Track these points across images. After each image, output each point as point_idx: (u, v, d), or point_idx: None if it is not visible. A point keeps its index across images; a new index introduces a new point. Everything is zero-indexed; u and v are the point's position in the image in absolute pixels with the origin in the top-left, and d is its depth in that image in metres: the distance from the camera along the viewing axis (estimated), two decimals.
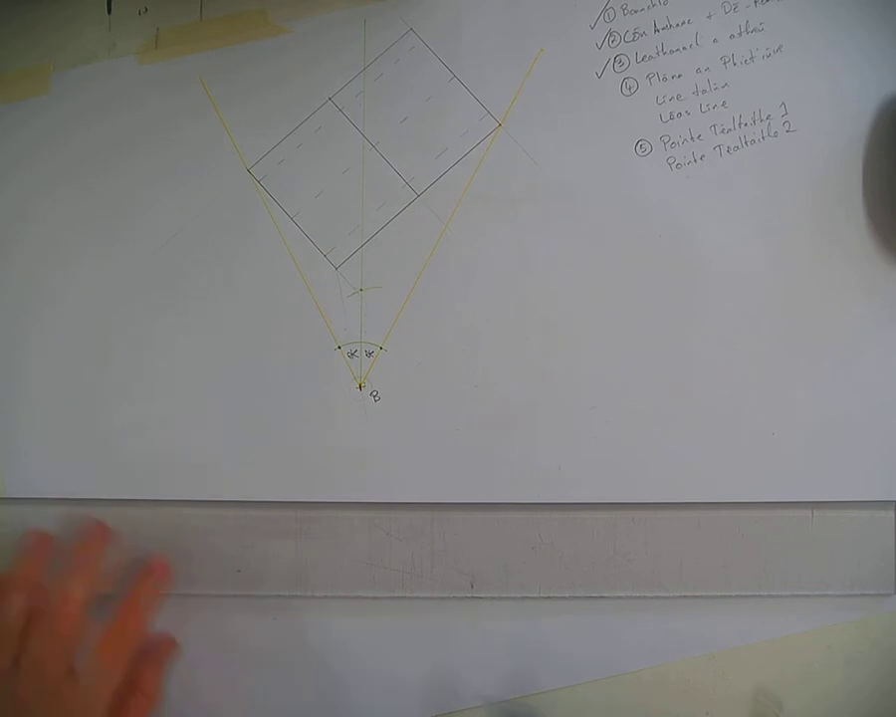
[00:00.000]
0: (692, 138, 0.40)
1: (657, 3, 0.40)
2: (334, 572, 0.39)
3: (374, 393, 0.39)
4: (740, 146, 0.40)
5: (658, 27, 0.40)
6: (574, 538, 0.39)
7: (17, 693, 0.33)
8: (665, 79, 0.40)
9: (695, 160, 0.40)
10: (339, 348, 0.39)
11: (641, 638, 0.39)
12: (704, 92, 0.40)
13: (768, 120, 0.40)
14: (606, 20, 0.40)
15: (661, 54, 0.40)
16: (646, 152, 0.40)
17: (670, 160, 0.40)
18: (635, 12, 0.40)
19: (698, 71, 0.40)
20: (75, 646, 0.34)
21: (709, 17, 0.40)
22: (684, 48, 0.40)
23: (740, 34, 0.40)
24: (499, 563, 0.38)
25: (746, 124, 0.40)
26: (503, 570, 0.38)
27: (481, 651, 0.39)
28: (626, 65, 0.40)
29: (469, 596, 0.39)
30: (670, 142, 0.40)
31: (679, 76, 0.40)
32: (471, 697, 0.38)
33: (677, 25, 0.40)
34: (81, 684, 0.33)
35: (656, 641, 0.39)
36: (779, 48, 0.40)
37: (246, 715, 0.39)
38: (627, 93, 0.40)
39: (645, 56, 0.40)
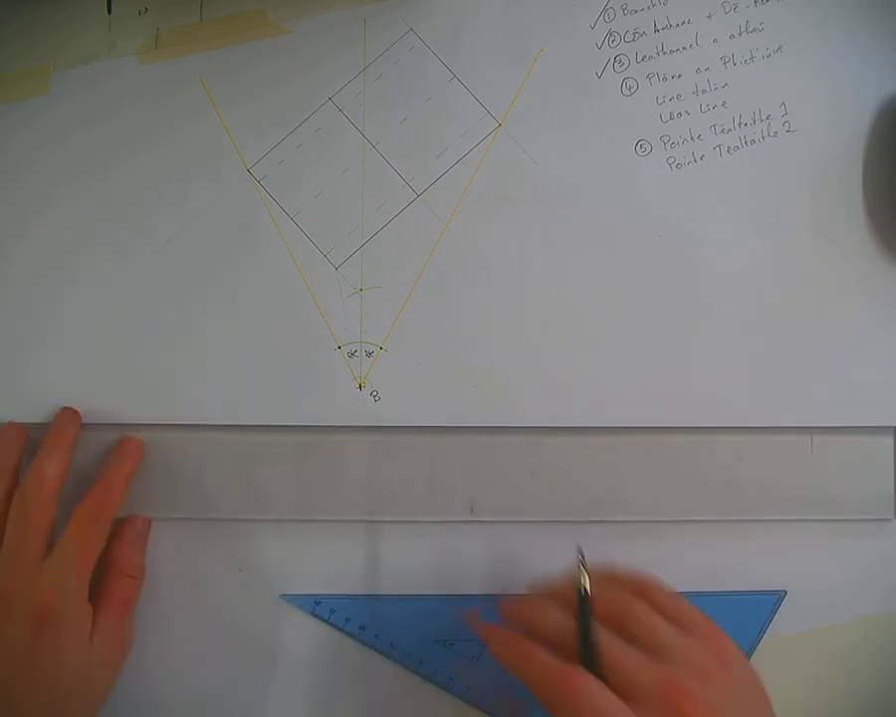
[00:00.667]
0: (692, 138, 0.40)
1: (657, 3, 0.40)
2: (333, 496, 0.39)
3: (374, 393, 0.39)
4: (740, 146, 0.40)
5: (658, 27, 0.40)
6: (574, 462, 0.39)
7: None
8: (665, 79, 0.40)
9: (695, 160, 0.40)
10: (339, 348, 0.39)
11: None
12: (704, 92, 0.40)
13: (768, 120, 0.40)
14: (606, 20, 0.40)
15: (661, 54, 0.40)
16: (646, 152, 0.40)
17: (670, 160, 0.40)
18: (635, 12, 0.40)
19: (698, 71, 0.40)
20: (50, 525, 0.34)
21: (709, 17, 0.40)
22: (684, 48, 0.40)
23: (740, 34, 0.40)
24: (498, 486, 0.38)
25: (746, 124, 0.40)
26: (502, 493, 0.38)
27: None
28: (626, 65, 0.40)
29: (469, 519, 0.39)
30: (670, 142, 0.40)
31: (679, 76, 0.40)
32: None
33: (677, 25, 0.40)
34: (58, 560, 0.34)
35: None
36: (779, 48, 0.40)
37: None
38: (627, 93, 0.40)
39: (645, 56, 0.40)
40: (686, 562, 0.38)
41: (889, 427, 0.39)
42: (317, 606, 0.39)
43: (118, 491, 0.36)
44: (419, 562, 0.39)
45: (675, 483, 0.39)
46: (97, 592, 0.36)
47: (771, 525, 0.39)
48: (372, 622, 0.39)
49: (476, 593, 0.39)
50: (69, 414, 0.38)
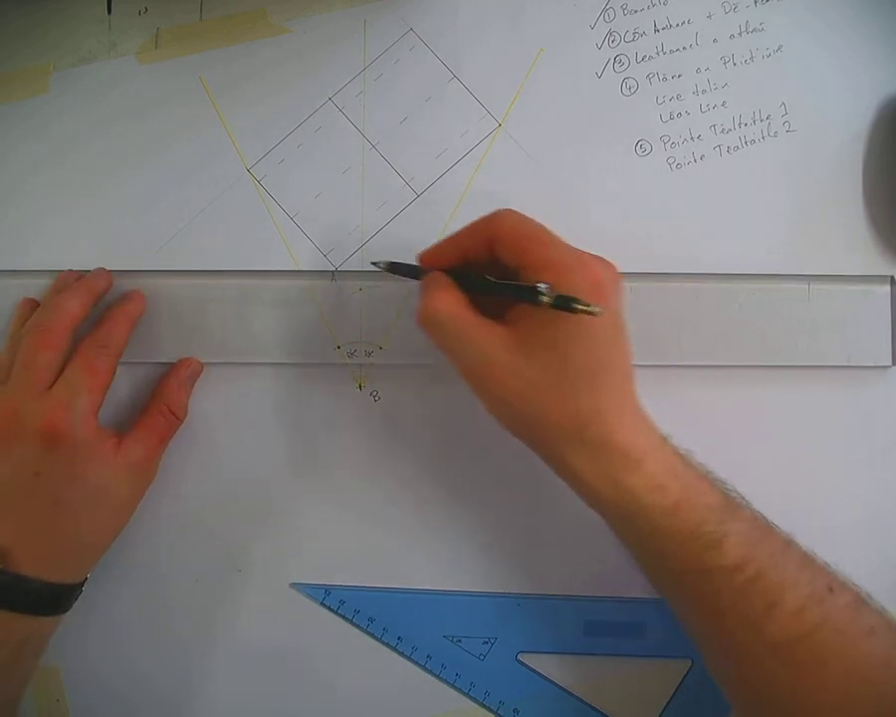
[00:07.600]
0: (692, 138, 0.40)
1: (657, 3, 0.40)
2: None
3: (374, 393, 0.39)
4: (740, 146, 0.40)
5: (658, 27, 0.40)
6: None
7: (6, 402, 0.34)
8: (665, 79, 0.40)
9: (695, 160, 0.40)
10: (339, 347, 0.39)
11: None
12: (704, 92, 0.40)
13: (768, 120, 0.40)
14: (606, 20, 0.40)
15: (661, 54, 0.40)
16: (646, 152, 0.40)
17: (670, 160, 0.40)
18: (635, 12, 0.40)
19: (698, 71, 0.40)
20: (62, 354, 0.35)
21: (709, 17, 0.40)
22: (684, 48, 0.40)
23: (740, 34, 0.40)
24: None
25: (746, 124, 0.40)
26: None
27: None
28: (626, 65, 0.40)
29: None
30: (670, 142, 0.40)
31: (679, 76, 0.40)
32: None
33: (677, 25, 0.40)
34: (66, 382, 0.34)
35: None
36: (779, 48, 0.40)
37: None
38: (627, 93, 0.40)
39: (645, 56, 0.40)
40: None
41: (886, 276, 0.40)
42: (326, 596, 0.39)
43: (124, 326, 0.37)
44: None
45: (674, 329, 0.39)
46: (135, 419, 0.37)
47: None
48: (381, 615, 0.39)
49: (476, 590, 0.39)
50: (102, 270, 0.38)
